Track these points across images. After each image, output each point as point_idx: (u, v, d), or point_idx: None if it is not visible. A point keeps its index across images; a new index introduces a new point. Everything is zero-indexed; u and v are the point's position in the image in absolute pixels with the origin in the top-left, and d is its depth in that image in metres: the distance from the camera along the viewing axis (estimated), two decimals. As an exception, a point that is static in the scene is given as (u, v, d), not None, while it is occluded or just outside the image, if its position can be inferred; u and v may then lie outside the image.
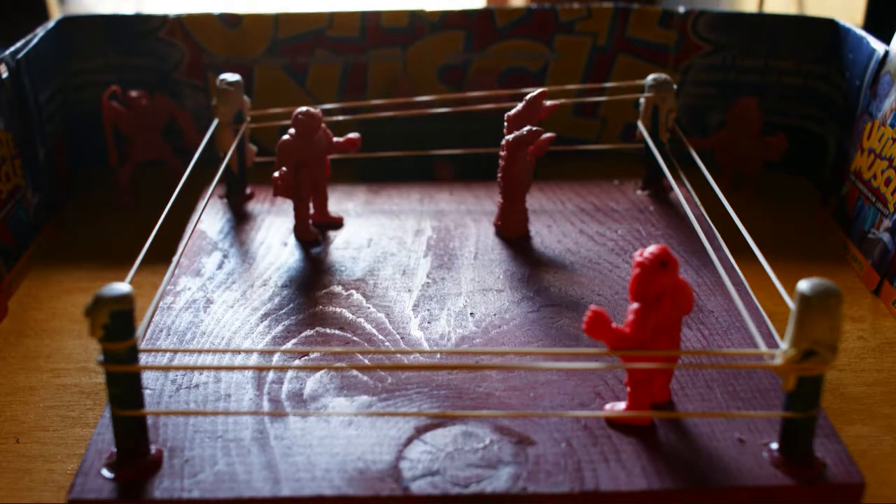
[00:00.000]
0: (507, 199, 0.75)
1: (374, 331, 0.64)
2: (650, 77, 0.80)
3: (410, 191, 0.85)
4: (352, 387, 0.57)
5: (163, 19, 0.94)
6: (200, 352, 0.61)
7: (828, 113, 0.92)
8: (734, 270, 0.62)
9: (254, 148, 0.83)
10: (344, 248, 0.75)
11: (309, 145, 0.73)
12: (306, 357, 0.61)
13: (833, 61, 0.91)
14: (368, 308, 0.66)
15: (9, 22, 1.20)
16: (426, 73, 0.98)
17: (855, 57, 0.86)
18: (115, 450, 0.51)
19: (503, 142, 0.73)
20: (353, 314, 0.66)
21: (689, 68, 0.97)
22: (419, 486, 0.49)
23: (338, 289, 0.69)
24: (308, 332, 0.63)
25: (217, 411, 0.55)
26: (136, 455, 0.50)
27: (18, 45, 0.84)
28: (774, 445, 0.51)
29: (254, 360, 0.61)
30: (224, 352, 0.61)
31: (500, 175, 0.74)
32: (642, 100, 0.81)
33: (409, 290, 0.69)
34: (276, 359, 0.61)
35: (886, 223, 0.75)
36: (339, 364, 0.56)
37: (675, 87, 0.79)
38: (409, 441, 0.52)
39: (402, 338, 0.63)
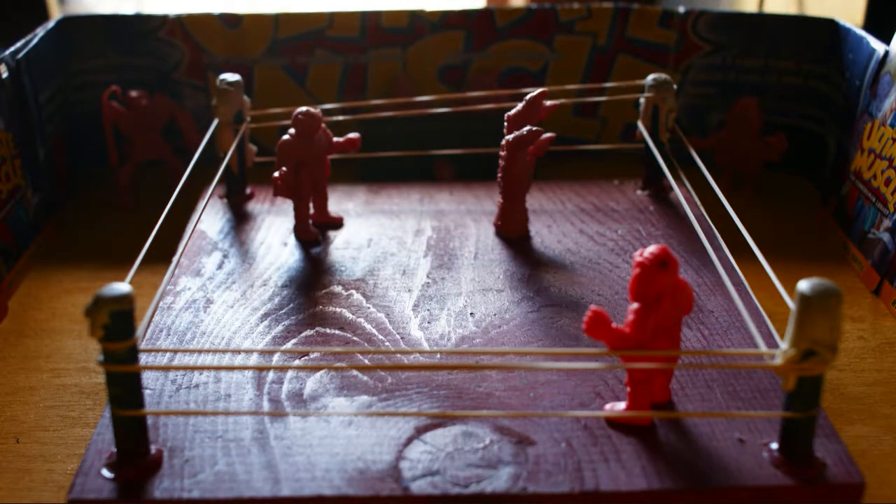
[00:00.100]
0: (507, 199, 0.75)
1: (374, 331, 0.64)
2: (650, 77, 0.80)
3: (410, 191, 0.85)
4: (352, 387, 0.57)
5: (163, 19, 0.94)
6: (200, 352, 0.61)
7: (828, 113, 0.92)
8: (734, 270, 0.62)
9: (254, 148, 0.83)
10: (344, 248, 0.75)
11: (309, 145, 0.73)
12: (306, 357, 0.61)
13: (833, 61, 0.91)
14: (368, 308, 0.66)
15: (9, 22, 1.20)
16: (426, 73, 0.98)
17: (855, 57, 0.86)
18: (115, 450, 0.51)
19: (503, 142, 0.73)
20: (353, 314, 0.65)
21: (689, 68, 0.97)
22: (419, 486, 0.49)
23: (338, 289, 0.69)
24: (308, 332, 0.63)
25: (217, 411, 0.55)
26: (136, 455, 0.50)
27: (18, 45, 0.83)
28: (774, 445, 0.51)
29: (254, 360, 0.61)
30: (224, 352, 0.61)
31: (500, 175, 0.74)
32: (642, 100, 0.81)
33: (409, 290, 0.69)
34: (276, 359, 0.61)
35: (886, 223, 0.75)
36: (339, 364, 0.56)
37: (675, 87, 0.79)
38: (409, 441, 0.52)
39: (402, 338, 0.63)
